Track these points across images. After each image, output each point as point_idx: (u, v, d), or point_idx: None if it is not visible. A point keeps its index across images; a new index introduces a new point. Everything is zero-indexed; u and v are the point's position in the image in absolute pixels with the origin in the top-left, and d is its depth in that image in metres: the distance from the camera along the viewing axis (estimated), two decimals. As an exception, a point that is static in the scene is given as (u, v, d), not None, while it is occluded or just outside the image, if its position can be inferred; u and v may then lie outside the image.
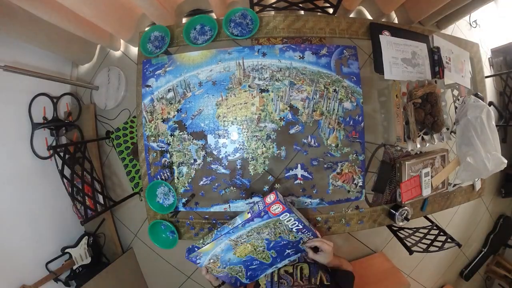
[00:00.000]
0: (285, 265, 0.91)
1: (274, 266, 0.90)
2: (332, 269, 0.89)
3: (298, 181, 1.02)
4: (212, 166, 1.02)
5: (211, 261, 0.87)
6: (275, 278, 0.87)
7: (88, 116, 1.89)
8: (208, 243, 0.83)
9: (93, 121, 1.90)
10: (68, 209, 1.73)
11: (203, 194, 1.03)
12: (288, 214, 0.79)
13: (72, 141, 1.79)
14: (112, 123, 1.88)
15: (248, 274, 0.91)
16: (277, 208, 0.77)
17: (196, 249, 0.84)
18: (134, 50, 1.90)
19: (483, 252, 2.29)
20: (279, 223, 0.81)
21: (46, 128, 1.71)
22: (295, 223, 0.81)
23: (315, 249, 0.86)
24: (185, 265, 1.90)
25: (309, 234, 0.85)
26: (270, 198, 0.78)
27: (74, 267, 1.66)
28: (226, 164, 1.02)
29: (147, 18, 1.72)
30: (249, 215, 0.78)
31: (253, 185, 1.02)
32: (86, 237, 1.74)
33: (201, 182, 1.02)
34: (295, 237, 0.85)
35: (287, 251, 0.88)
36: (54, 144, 1.70)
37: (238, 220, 0.80)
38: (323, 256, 0.85)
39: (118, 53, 1.94)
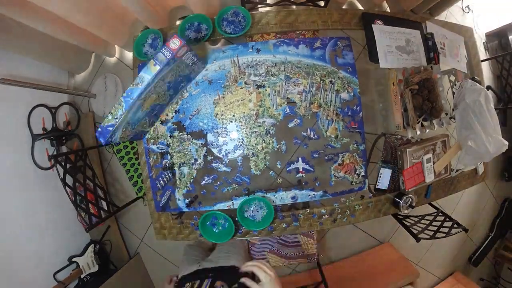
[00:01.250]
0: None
1: (170, 102, 1.00)
2: None
3: (299, 174, 1.02)
4: (213, 165, 1.02)
5: (124, 130, 0.83)
6: None
7: (87, 125, 1.89)
8: (121, 115, 0.76)
9: (93, 129, 1.90)
10: (73, 218, 1.74)
11: (205, 193, 1.03)
12: (189, 53, 0.81)
13: (74, 149, 1.79)
14: (111, 130, 1.89)
15: (151, 121, 0.99)
16: (182, 50, 0.76)
17: (110, 129, 0.77)
18: (129, 56, 1.91)
19: (490, 237, 2.28)
20: (181, 63, 0.82)
21: (46, 139, 1.71)
22: (192, 57, 0.86)
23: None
24: (192, 268, 1.89)
25: (200, 65, 0.96)
26: (175, 43, 0.74)
27: (82, 276, 1.66)
28: (227, 162, 1.02)
29: (140, 23, 1.72)
30: (157, 66, 0.74)
31: (254, 182, 1.02)
32: (93, 245, 1.74)
33: (203, 182, 1.02)
34: (188, 70, 0.91)
35: (181, 84, 0.97)
36: (55, 154, 1.71)
37: (146, 77, 0.75)
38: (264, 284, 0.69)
39: (113, 60, 1.94)
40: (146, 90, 0.76)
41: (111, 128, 0.76)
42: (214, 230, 1.04)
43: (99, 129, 0.77)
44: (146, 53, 1.08)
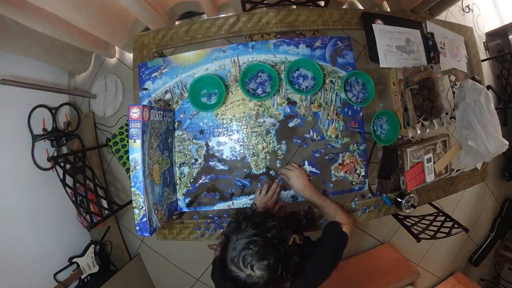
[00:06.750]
0: None
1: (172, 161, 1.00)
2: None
3: None
4: (213, 165, 1.02)
5: (156, 212, 0.84)
6: None
7: (87, 125, 1.89)
8: (144, 202, 0.77)
9: (93, 130, 1.90)
10: (73, 219, 1.74)
11: (205, 194, 1.03)
12: (154, 111, 0.82)
13: (73, 150, 1.79)
14: (111, 130, 1.89)
15: (171, 188, 0.99)
16: (145, 113, 0.77)
17: (145, 220, 0.78)
18: (129, 57, 1.91)
19: (490, 237, 2.28)
20: (154, 123, 0.83)
21: (47, 140, 1.71)
22: (160, 112, 0.87)
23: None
24: (193, 268, 1.89)
25: (171, 114, 0.96)
26: (135, 111, 0.75)
27: (83, 277, 1.66)
28: (228, 162, 1.02)
29: (140, 23, 1.72)
30: (138, 140, 0.75)
31: (254, 182, 1.02)
32: (93, 245, 1.74)
33: (201, 181, 1.02)
34: (164, 125, 0.92)
35: (168, 140, 0.98)
36: (55, 154, 1.71)
37: (137, 156, 0.76)
38: (290, 182, 0.92)
39: (113, 61, 1.94)
40: (145, 167, 0.78)
41: (145, 219, 0.77)
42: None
43: (137, 228, 0.78)
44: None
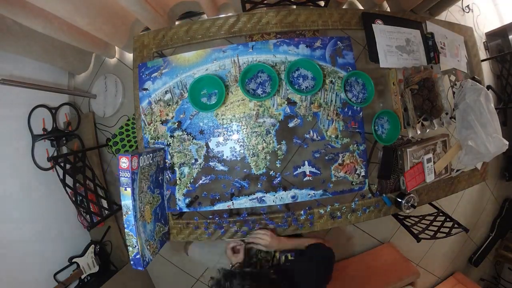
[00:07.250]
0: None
1: (163, 197, 1.02)
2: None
3: (307, 177, 1.01)
4: (213, 166, 1.02)
5: (149, 247, 0.89)
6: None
7: (87, 125, 1.89)
8: (137, 242, 0.82)
9: (93, 130, 1.90)
10: (73, 219, 1.74)
11: (206, 194, 1.03)
12: (143, 157, 0.85)
13: (73, 150, 1.79)
14: (111, 130, 1.89)
15: (163, 222, 1.01)
16: (134, 161, 0.80)
17: (138, 257, 0.83)
18: (129, 57, 1.91)
19: (490, 237, 2.27)
20: (144, 168, 0.86)
21: (47, 140, 1.71)
22: (150, 155, 0.89)
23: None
24: (193, 268, 1.89)
25: (161, 153, 0.99)
26: (124, 161, 0.77)
27: (82, 277, 1.66)
28: (228, 162, 1.02)
29: (140, 24, 1.72)
30: (128, 189, 0.79)
31: (254, 182, 1.02)
32: (93, 245, 1.74)
33: (201, 181, 1.02)
34: (154, 165, 0.94)
35: (160, 178, 1.00)
36: (55, 154, 1.71)
37: (128, 202, 0.80)
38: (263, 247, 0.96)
39: (113, 61, 1.94)
40: (136, 212, 0.81)
41: (138, 256, 0.82)
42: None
43: (132, 262, 0.83)
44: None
